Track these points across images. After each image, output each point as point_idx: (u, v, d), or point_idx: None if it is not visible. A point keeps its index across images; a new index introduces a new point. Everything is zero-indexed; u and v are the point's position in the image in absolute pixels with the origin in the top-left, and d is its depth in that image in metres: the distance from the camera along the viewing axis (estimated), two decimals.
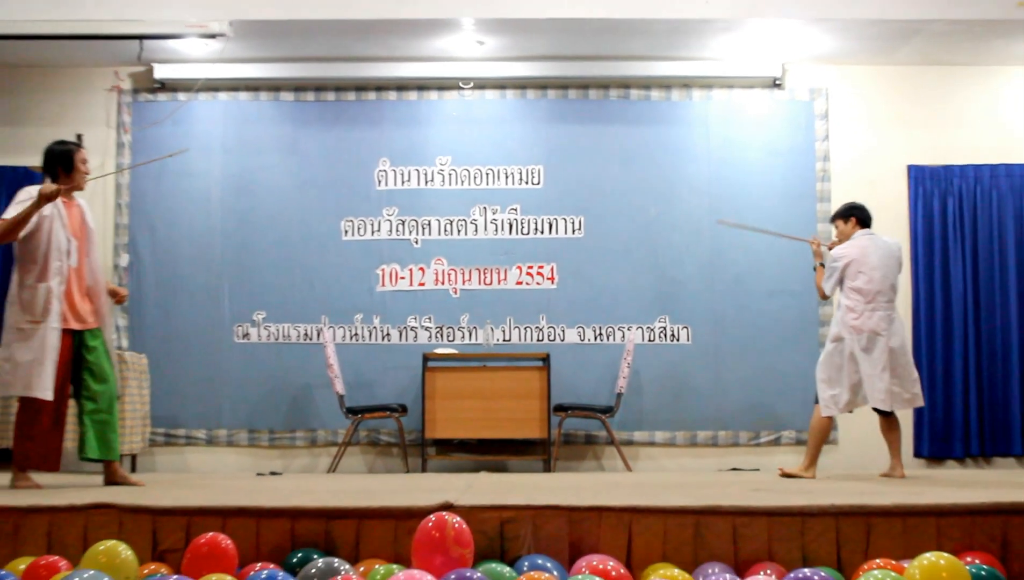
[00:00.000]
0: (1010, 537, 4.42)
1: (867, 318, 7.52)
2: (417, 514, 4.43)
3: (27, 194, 6.51)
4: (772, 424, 9.78)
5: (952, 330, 9.83)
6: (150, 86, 10.09)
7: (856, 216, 7.92)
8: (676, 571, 4.17)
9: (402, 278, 9.98)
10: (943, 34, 9.40)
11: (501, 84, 10.17)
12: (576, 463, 9.75)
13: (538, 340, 9.89)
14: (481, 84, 10.17)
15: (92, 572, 3.77)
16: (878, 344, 7.48)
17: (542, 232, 10.02)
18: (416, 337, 9.91)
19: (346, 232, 10.04)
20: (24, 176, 9.95)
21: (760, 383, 9.82)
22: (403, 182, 10.09)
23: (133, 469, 9.30)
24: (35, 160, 9.91)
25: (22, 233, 6.36)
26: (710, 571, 4.26)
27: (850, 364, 7.53)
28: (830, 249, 7.98)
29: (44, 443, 6.50)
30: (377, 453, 9.83)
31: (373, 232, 10.02)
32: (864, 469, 8.93)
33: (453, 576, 3.95)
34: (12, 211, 6.38)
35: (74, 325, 6.54)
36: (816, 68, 10.14)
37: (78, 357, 6.60)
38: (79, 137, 6.94)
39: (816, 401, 7.76)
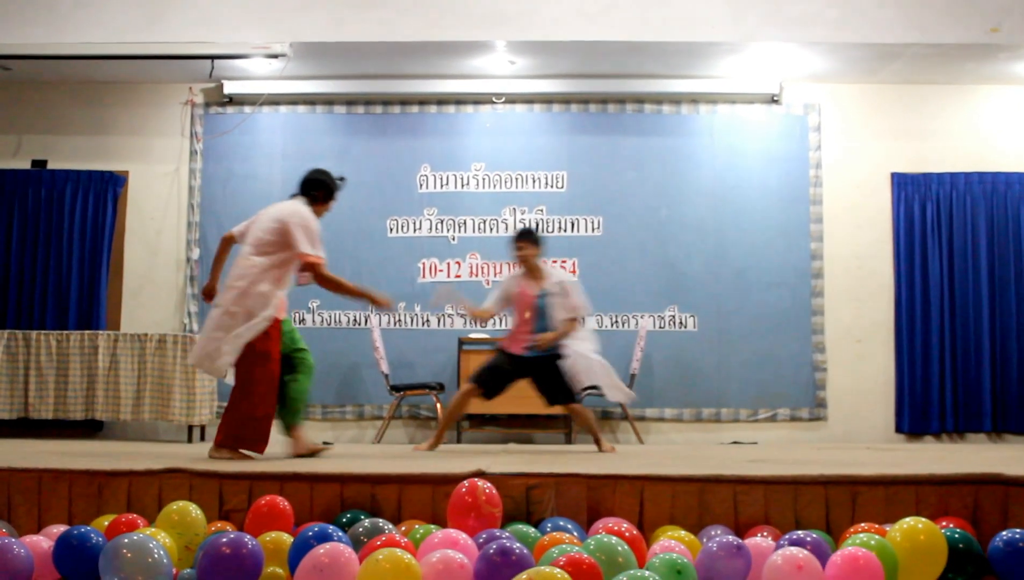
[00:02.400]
0: (981, 504, 4.39)
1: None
2: (452, 480, 4.42)
3: (315, 223, 6.32)
4: (769, 402, 9.74)
5: (930, 320, 9.77)
6: (220, 100, 10.12)
7: (541, 247, 7.33)
8: (683, 532, 4.16)
9: (440, 271, 9.97)
10: (922, 56, 9.33)
11: (530, 99, 10.15)
12: None
13: None
14: (512, 99, 10.15)
15: (140, 535, 3.77)
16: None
17: (565, 230, 9.99)
18: (453, 323, 9.90)
19: (391, 230, 10.04)
20: (109, 179, 10.00)
21: (759, 365, 9.77)
22: (442, 186, 10.08)
23: (202, 439, 9.33)
24: (118, 165, 10.09)
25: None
26: (713, 533, 4.25)
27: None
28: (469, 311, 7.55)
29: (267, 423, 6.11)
30: (417, 426, 9.84)
31: (415, 230, 10.02)
32: (850, 442, 8.89)
33: (484, 535, 3.95)
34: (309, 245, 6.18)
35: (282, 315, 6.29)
36: (810, 86, 10.08)
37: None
38: (342, 180, 6.78)
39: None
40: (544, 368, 7.18)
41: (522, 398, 9.16)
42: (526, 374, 7.25)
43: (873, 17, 8.98)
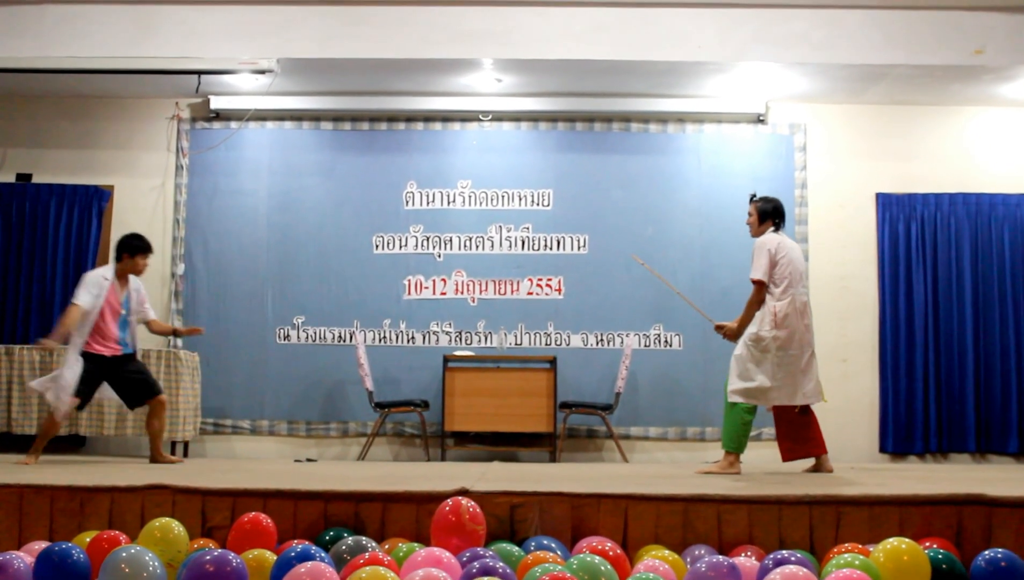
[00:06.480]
0: (964, 524, 4.41)
1: None
2: (436, 498, 4.42)
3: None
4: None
5: (914, 340, 9.80)
6: (206, 115, 10.11)
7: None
8: (667, 552, 4.16)
9: (426, 288, 9.97)
10: (907, 77, 9.38)
11: (516, 117, 10.17)
12: (579, 455, 9.73)
13: (546, 344, 9.88)
14: (499, 117, 10.17)
15: (138, 548, 3.76)
16: None
17: (551, 248, 10.01)
18: (438, 340, 9.90)
19: (377, 246, 10.04)
20: (94, 194, 9.99)
21: None
22: (428, 203, 10.09)
23: (185, 454, 9.30)
24: (103, 180, 10.09)
25: None
26: (697, 552, 4.25)
27: None
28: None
29: None
30: (402, 443, 9.82)
31: (401, 247, 10.02)
32: (834, 462, 8.88)
33: (468, 554, 3.94)
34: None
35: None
36: (795, 106, 10.13)
37: None
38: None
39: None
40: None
41: (506, 416, 9.19)
42: None
43: (858, 38, 9.03)
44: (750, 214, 7.26)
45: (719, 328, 7.29)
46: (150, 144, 10.14)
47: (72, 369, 7.36)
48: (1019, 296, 9.86)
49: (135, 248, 7.67)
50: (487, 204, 10.09)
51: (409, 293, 9.97)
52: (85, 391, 7.43)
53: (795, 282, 6.93)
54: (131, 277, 7.73)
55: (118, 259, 7.67)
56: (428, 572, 3.58)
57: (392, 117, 10.17)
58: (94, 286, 7.49)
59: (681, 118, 10.12)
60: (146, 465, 7.15)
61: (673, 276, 9.90)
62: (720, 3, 9.00)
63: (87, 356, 7.45)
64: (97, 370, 7.48)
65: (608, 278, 9.95)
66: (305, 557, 3.81)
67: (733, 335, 7.15)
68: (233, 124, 10.10)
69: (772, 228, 7.17)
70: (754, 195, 7.32)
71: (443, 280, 9.99)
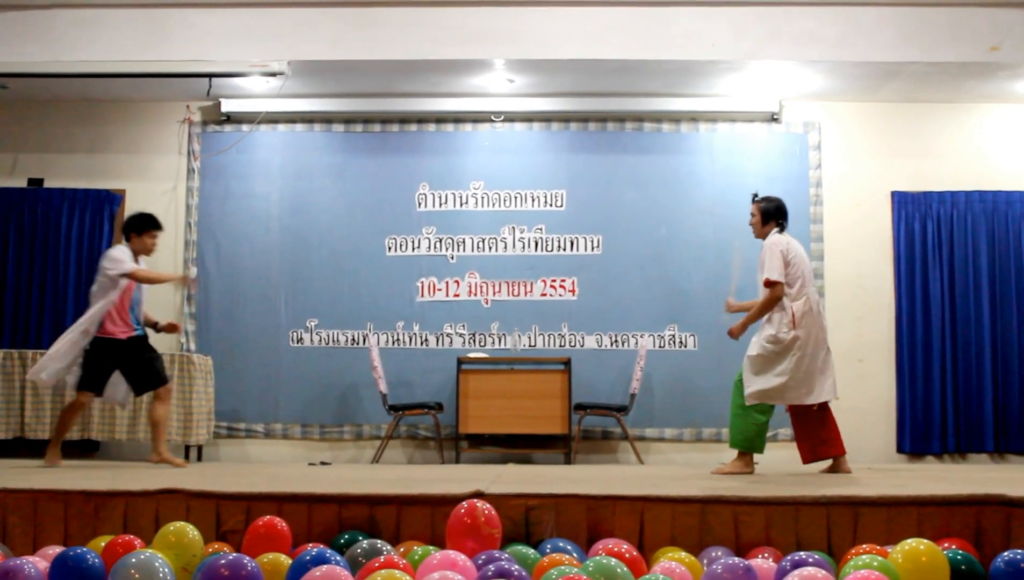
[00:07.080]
0: (983, 525, 4.38)
1: None
2: (451, 501, 4.41)
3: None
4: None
5: (931, 339, 9.78)
6: (217, 118, 10.14)
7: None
8: (683, 554, 4.15)
9: (439, 290, 9.98)
10: (922, 74, 9.36)
11: (529, 117, 10.18)
12: (594, 456, 9.72)
13: (560, 346, 9.88)
14: (511, 117, 10.17)
15: (148, 553, 3.77)
16: None
17: (564, 249, 10.01)
18: (451, 342, 9.90)
19: (389, 248, 10.05)
20: (105, 198, 10.02)
21: None
22: (440, 204, 10.10)
23: (199, 458, 9.33)
24: (115, 184, 10.12)
25: None
26: (714, 554, 4.25)
27: None
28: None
29: None
30: (416, 446, 9.83)
31: (413, 248, 10.03)
32: (851, 463, 8.87)
33: (483, 557, 3.94)
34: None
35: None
36: (809, 104, 10.11)
37: None
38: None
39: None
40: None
41: (521, 418, 9.19)
42: None
43: (873, 36, 9.00)
44: (753, 214, 7.29)
45: (729, 308, 7.59)
46: (161, 148, 10.18)
47: (69, 340, 7.35)
48: None
49: (142, 226, 7.61)
50: (500, 205, 10.09)
51: (422, 295, 9.98)
52: (98, 379, 7.45)
53: (807, 282, 6.96)
54: (140, 258, 7.67)
55: (127, 240, 7.61)
56: (444, 575, 3.58)
57: (404, 119, 10.18)
58: (127, 257, 7.46)
59: (694, 117, 10.12)
60: (160, 469, 7.15)
61: (687, 276, 9.92)
62: (733, 1, 8.99)
63: (101, 341, 7.44)
64: (111, 355, 7.49)
65: (622, 279, 9.94)
66: (320, 561, 3.82)
67: (735, 333, 7.32)
68: (244, 127, 10.12)
69: (776, 228, 7.20)
70: (756, 195, 7.35)
71: (456, 282, 10.00)
